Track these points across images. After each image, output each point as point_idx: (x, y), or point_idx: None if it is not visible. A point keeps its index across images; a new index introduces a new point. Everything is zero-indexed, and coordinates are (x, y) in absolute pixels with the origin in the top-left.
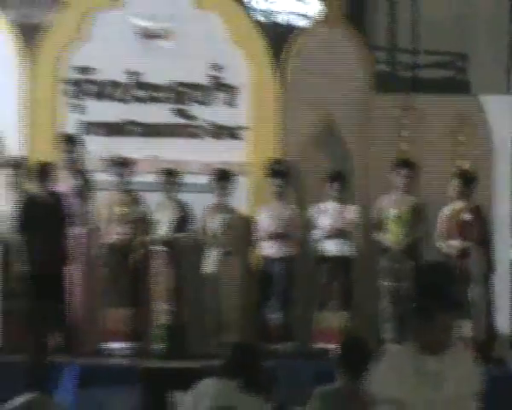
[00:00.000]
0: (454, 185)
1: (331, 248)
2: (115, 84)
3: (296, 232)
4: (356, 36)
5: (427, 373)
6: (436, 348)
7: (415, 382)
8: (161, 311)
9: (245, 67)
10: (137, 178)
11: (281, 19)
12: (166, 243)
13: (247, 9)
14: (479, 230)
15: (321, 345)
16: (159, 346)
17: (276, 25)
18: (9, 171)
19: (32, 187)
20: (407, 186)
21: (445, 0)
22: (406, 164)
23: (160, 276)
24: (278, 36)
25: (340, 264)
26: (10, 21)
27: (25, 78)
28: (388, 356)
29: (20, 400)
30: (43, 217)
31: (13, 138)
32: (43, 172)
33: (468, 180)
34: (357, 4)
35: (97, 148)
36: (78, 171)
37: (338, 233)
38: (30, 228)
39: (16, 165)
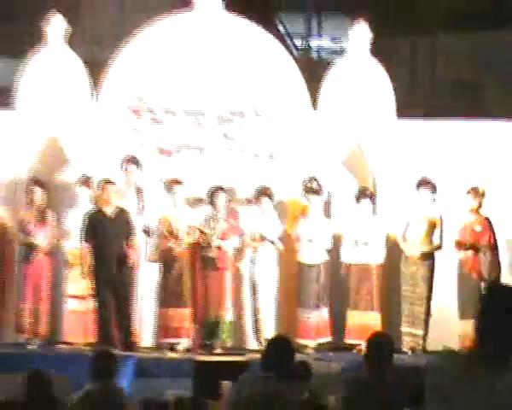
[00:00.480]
0: (467, 201)
1: (359, 255)
2: (169, 112)
3: (328, 241)
4: (380, 70)
5: (480, 382)
6: (495, 362)
7: (467, 387)
8: (214, 310)
9: (283, 97)
10: (187, 195)
11: (315, 55)
12: (218, 249)
13: (286, 47)
14: (488, 239)
15: (353, 340)
16: (211, 341)
17: (310, 60)
18: (80, 188)
19: (99, 202)
20: (426, 203)
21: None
22: (426, 184)
23: (212, 278)
24: (312, 70)
25: (367, 269)
26: (79, 57)
27: (92, 107)
28: (450, 358)
29: (87, 388)
30: (108, 228)
31: (83, 160)
32: (107, 188)
33: (478, 197)
34: (381, 43)
35: (153, 169)
36: (138, 188)
37: (364, 243)
38: (95, 238)
39: (85, 183)
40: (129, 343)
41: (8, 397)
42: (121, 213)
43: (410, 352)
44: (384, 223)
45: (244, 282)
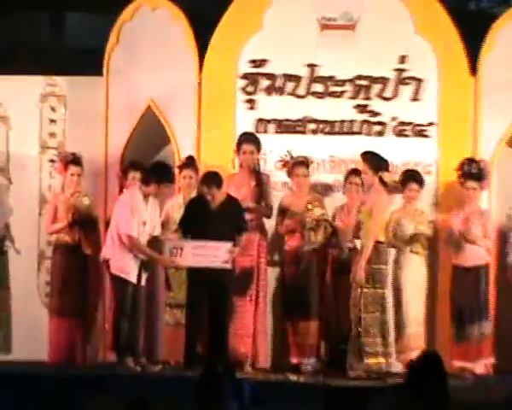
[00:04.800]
0: None
1: None
2: (290, 77)
3: (488, 239)
4: None
5: None
6: None
7: None
8: (347, 323)
9: (433, 58)
10: (315, 179)
11: (474, 6)
12: (352, 249)
13: None
14: None
15: None
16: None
17: (468, 12)
18: (186, 172)
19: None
20: None
21: None
22: None
23: (345, 284)
24: (471, 24)
25: None
26: (184, 14)
27: (197, 74)
28: None
29: None
30: (212, 220)
31: (186, 138)
32: (212, 180)
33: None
34: None
35: (270, 147)
36: (256, 172)
37: None
38: (195, 230)
39: (189, 165)
40: (231, 364)
41: None
42: (229, 202)
43: None
44: None
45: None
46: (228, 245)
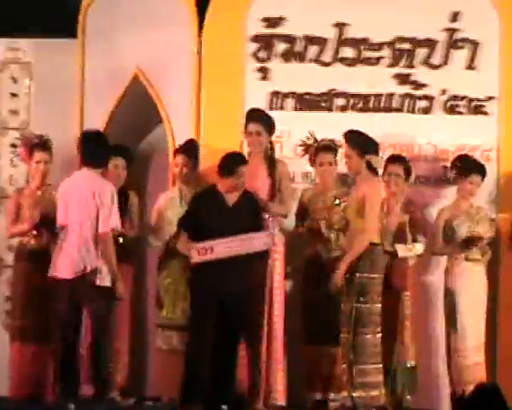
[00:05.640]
0: None
1: None
2: (312, 40)
3: None
4: None
5: None
6: None
7: None
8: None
9: (494, 15)
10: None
11: None
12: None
13: None
14: None
15: None
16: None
17: None
18: (179, 159)
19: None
20: None
21: None
22: None
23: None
24: None
25: None
26: None
27: (196, 36)
28: None
29: None
30: (226, 220)
31: (182, 117)
32: (229, 165)
33: None
34: None
35: (288, 128)
36: (270, 159)
37: None
38: (203, 231)
39: (185, 150)
40: (239, 401)
41: None
42: (246, 198)
43: None
44: None
45: (434, 305)
46: (264, 233)
